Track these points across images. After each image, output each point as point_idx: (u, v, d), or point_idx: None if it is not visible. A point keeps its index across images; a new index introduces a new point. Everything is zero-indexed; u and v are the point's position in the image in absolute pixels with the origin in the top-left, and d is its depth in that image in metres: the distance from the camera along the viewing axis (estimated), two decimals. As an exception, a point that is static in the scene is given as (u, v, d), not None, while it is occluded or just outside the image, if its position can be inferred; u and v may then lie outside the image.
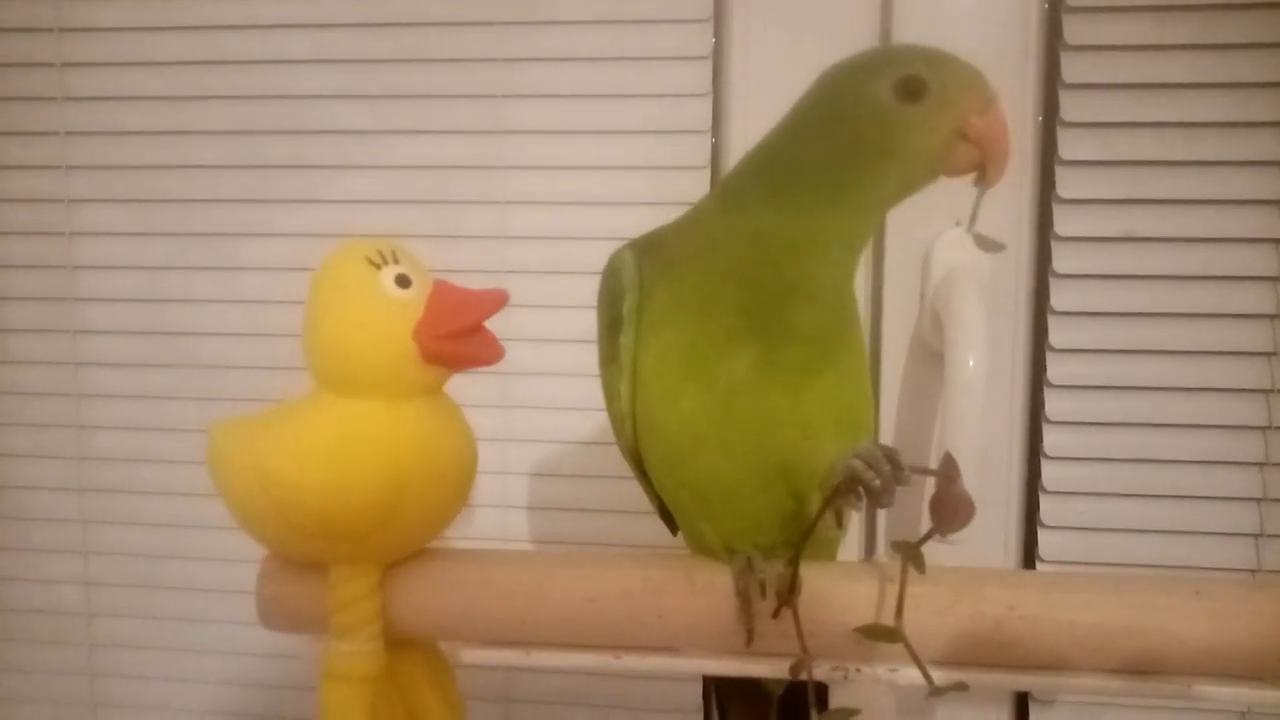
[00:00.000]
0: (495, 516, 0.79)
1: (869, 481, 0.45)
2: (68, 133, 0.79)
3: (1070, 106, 0.70)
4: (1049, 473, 0.73)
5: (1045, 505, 0.73)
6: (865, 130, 0.44)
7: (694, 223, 0.50)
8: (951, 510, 0.45)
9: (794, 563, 0.48)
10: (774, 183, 0.46)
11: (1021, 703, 0.76)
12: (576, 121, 0.75)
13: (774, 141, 0.48)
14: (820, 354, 0.49)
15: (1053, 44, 0.70)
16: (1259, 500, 0.72)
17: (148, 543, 0.83)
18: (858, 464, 0.45)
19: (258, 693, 0.84)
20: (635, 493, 0.57)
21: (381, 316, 0.47)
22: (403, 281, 0.47)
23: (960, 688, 0.45)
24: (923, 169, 0.46)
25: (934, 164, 0.45)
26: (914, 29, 0.71)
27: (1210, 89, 0.70)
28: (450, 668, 0.57)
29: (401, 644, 0.53)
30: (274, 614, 0.52)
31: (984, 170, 0.45)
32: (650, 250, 0.50)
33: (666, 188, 0.74)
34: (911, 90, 0.44)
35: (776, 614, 0.49)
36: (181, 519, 0.82)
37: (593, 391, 0.53)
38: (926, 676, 0.45)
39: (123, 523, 0.84)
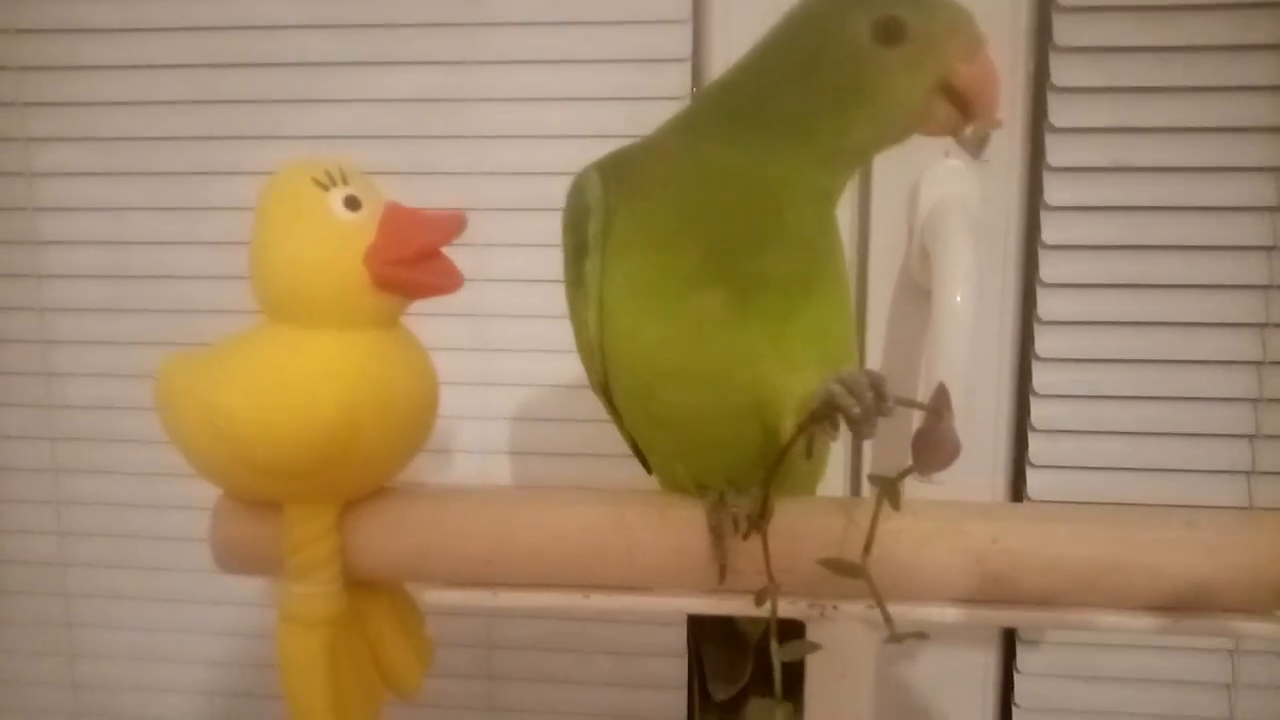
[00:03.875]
0: (475, 462, 0.77)
1: (848, 409, 0.41)
2: (22, 68, 0.76)
3: (1063, 30, 0.67)
4: (1038, 411, 0.71)
5: (1034, 444, 0.72)
6: (838, 72, 0.42)
7: (657, 150, 0.48)
8: (935, 447, 0.42)
9: (765, 485, 0.45)
10: (739, 121, 0.44)
11: (1009, 643, 0.75)
12: (551, 51, 0.72)
13: (741, 76, 0.45)
14: (801, 293, 0.46)
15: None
16: (1251, 437, 0.70)
17: (121, 491, 0.82)
18: (838, 389, 0.41)
19: (238, 641, 0.83)
20: (618, 436, 0.55)
21: (329, 241, 0.45)
22: (352, 204, 0.45)
23: (920, 636, 0.43)
24: (900, 119, 0.43)
25: (912, 114, 0.43)
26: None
27: (1211, 10, 0.66)
28: (418, 611, 0.55)
29: (364, 586, 0.51)
30: (229, 556, 0.51)
31: (971, 123, 0.43)
32: (617, 171, 0.48)
33: (646, 119, 0.70)
34: (890, 32, 0.41)
35: (746, 536, 0.47)
36: (155, 466, 0.79)
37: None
38: (887, 619, 0.43)
39: (95, 471, 0.82)
